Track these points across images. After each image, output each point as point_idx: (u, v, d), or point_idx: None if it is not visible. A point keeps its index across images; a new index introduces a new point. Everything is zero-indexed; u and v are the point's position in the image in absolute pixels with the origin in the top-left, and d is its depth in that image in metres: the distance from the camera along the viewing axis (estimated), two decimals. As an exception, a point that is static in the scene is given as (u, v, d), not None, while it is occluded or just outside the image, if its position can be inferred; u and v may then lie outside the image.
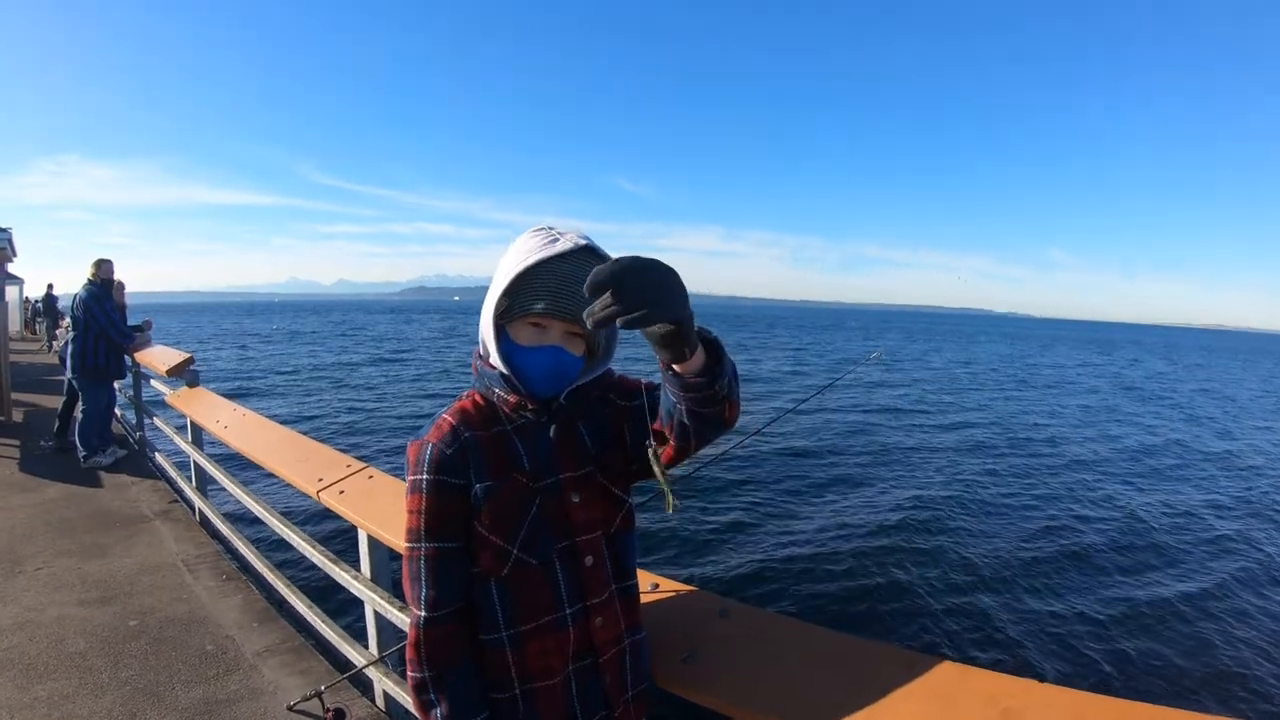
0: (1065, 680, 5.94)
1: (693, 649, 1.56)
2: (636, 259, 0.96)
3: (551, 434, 1.39)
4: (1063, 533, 9.76)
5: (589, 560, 1.40)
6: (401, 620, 2.50)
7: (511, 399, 1.35)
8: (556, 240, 1.26)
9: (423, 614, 1.29)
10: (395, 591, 2.69)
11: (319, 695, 2.71)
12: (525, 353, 1.31)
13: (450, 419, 1.34)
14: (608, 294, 0.94)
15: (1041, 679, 1.39)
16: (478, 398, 1.40)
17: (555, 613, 1.35)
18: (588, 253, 1.27)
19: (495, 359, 1.32)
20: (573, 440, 1.41)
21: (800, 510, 9.85)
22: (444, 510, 1.30)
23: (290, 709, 2.80)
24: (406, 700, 2.57)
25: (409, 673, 1.31)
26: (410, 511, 1.31)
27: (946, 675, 1.34)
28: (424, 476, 1.29)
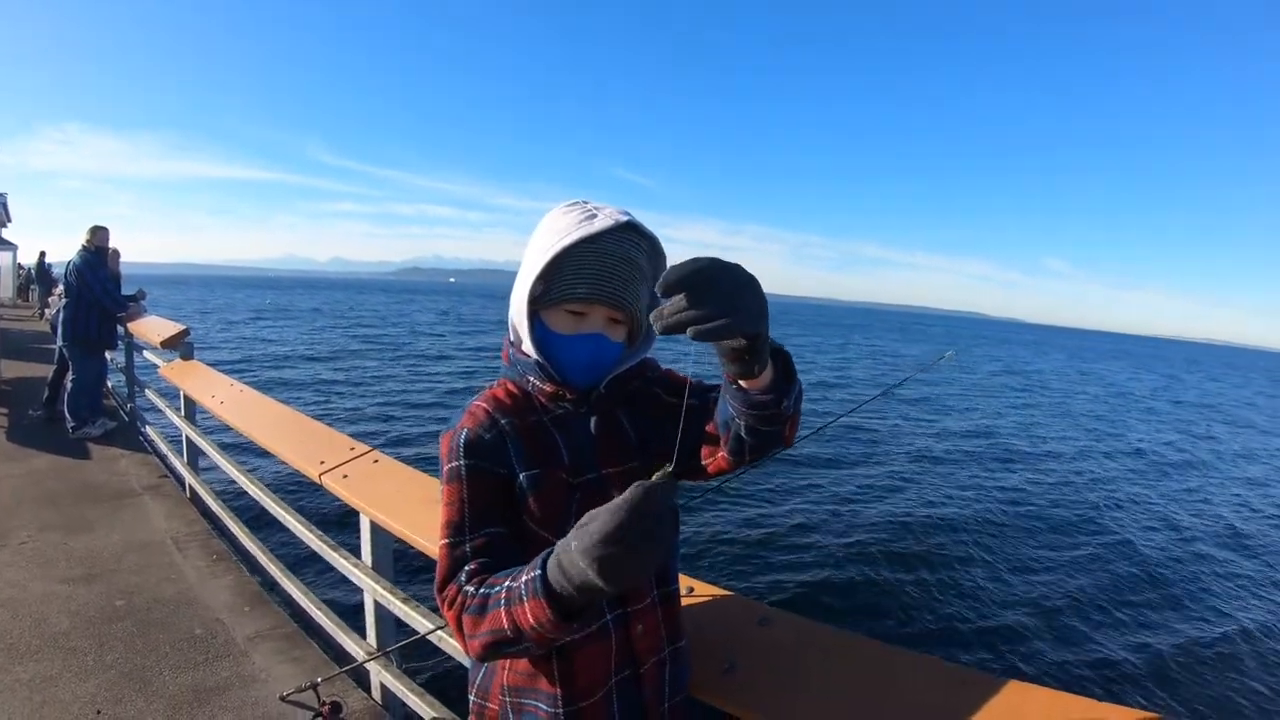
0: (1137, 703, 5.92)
1: (732, 658, 1.47)
2: (717, 260, 0.86)
3: (592, 426, 1.29)
4: (1142, 558, 9.68)
5: None
6: (404, 612, 2.40)
7: (548, 388, 1.25)
8: (594, 216, 1.16)
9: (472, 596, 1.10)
10: (397, 581, 2.58)
11: (314, 687, 2.59)
12: (563, 341, 1.22)
13: (484, 405, 1.24)
14: (681, 296, 0.84)
15: (1118, 700, 1.32)
16: (510, 386, 1.30)
17: (597, 619, 1.25)
18: (629, 229, 1.17)
19: (529, 346, 1.22)
20: (615, 434, 1.31)
21: (842, 519, 9.66)
22: (487, 498, 1.18)
23: (284, 699, 2.67)
24: (405, 694, 2.47)
25: (472, 648, 1.09)
26: (448, 504, 1.18)
27: (1008, 694, 1.25)
28: (462, 463, 1.18)
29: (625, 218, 1.16)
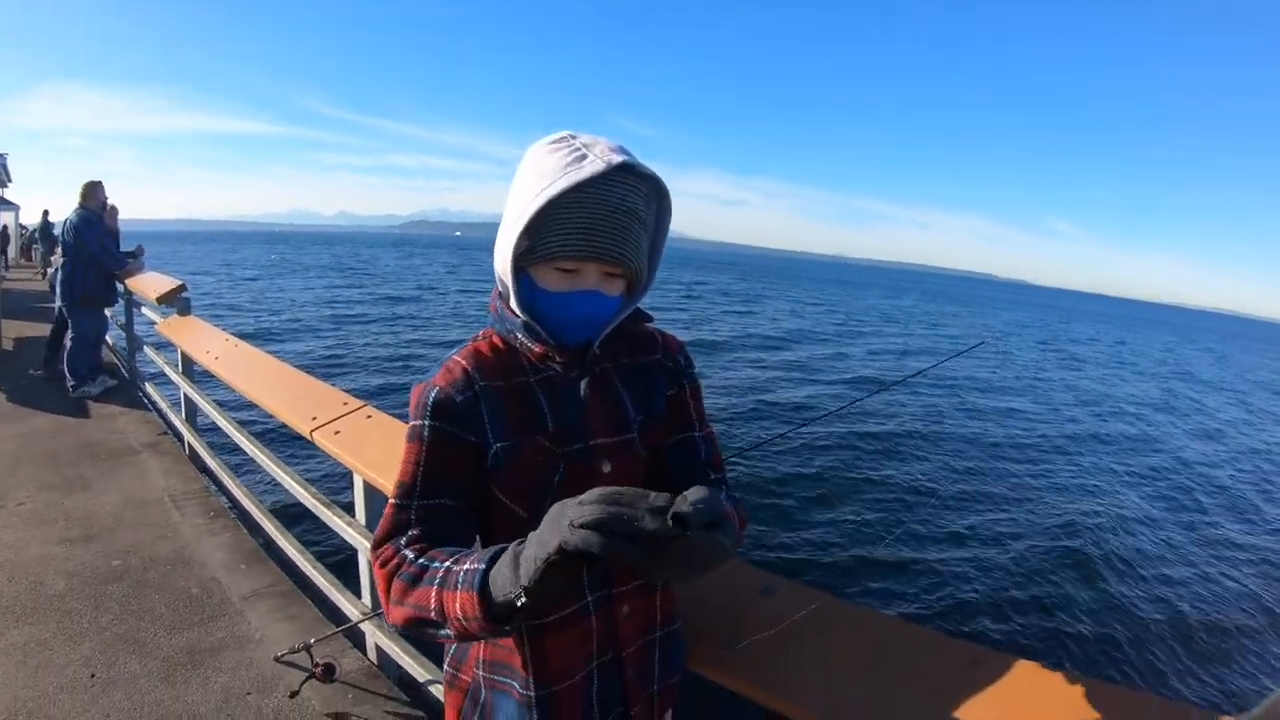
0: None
1: (733, 631, 1.38)
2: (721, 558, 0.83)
3: (582, 390, 1.17)
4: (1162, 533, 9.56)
5: None
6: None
7: (536, 349, 1.12)
8: (583, 157, 1.01)
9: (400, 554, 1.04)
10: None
11: (307, 648, 2.54)
12: (553, 299, 1.09)
13: (463, 362, 1.12)
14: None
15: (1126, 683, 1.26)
16: (496, 340, 1.18)
17: (577, 601, 1.15)
18: (625, 172, 1.03)
19: (516, 305, 1.10)
20: (609, 401, 1.20)
21: (850, 495, 9.36)
22: (445, 466, 1.09)
23: (278, 660, 2.63)
24: (400, 655, 2.42)
25: (392, 615, 1.03)
26: (404, 462, 1.10)
27: (1021, 674, 1.21)
28: (425, 422, 1.08)
29: (619, 158, 1.01)
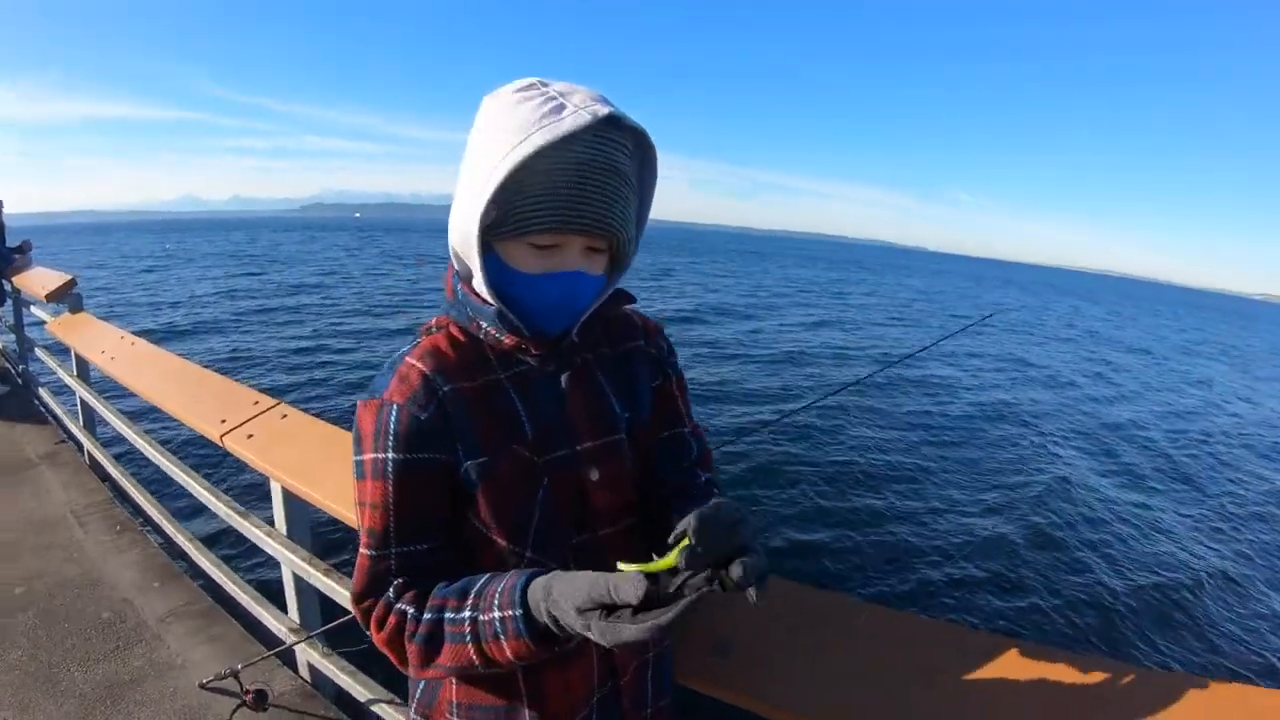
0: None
1: (721, 636, 1.28)
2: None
3: (564, 384, 1.02)
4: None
5: (613, 562, 1.08)
6: (328, 586, 2.13)
7: (507, 340, 0.96)
8: (561, 107, 0.84)
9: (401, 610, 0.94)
10: (316, 550, 2.30)
11: (235, 674, 2.32)
12: (527, 282, 0.93)
13: (419, 365, 0.95)
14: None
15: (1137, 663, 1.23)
16: (455, 331, 1.01)
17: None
18: (610, 125, 0.86)
19: (483, 288, 0.92)
20: (591, 395, 1.05)
21: (835, 484, 9.08)
22: (421, 503, 0.94)
23: (204, 687, 2.41)
24: (334, 672, 2.23)
25: (419, 673, 0.94)
26: (368, 505, 0.94)
27: (1027, 658, 1.19)
28: (389, 456, 0.92)
29: (605, 109, 0.85)
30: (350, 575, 2.19)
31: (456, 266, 1.00)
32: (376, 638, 0.95)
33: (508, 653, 0.84)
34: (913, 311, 33.65)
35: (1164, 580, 7.27)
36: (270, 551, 2.35)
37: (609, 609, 0.77)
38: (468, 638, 0.86)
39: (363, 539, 0.96)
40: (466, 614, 0.87)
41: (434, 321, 1.04)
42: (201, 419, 2.50)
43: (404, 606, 0.92)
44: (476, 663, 0.87)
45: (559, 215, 0.87)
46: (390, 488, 0.92)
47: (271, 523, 2.38)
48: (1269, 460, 13.32)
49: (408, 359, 0.96)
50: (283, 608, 2.48)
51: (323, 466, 2.06)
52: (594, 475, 1.03)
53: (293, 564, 2.25)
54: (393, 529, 0.93)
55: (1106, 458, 11.69)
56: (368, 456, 0.94)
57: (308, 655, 2.36)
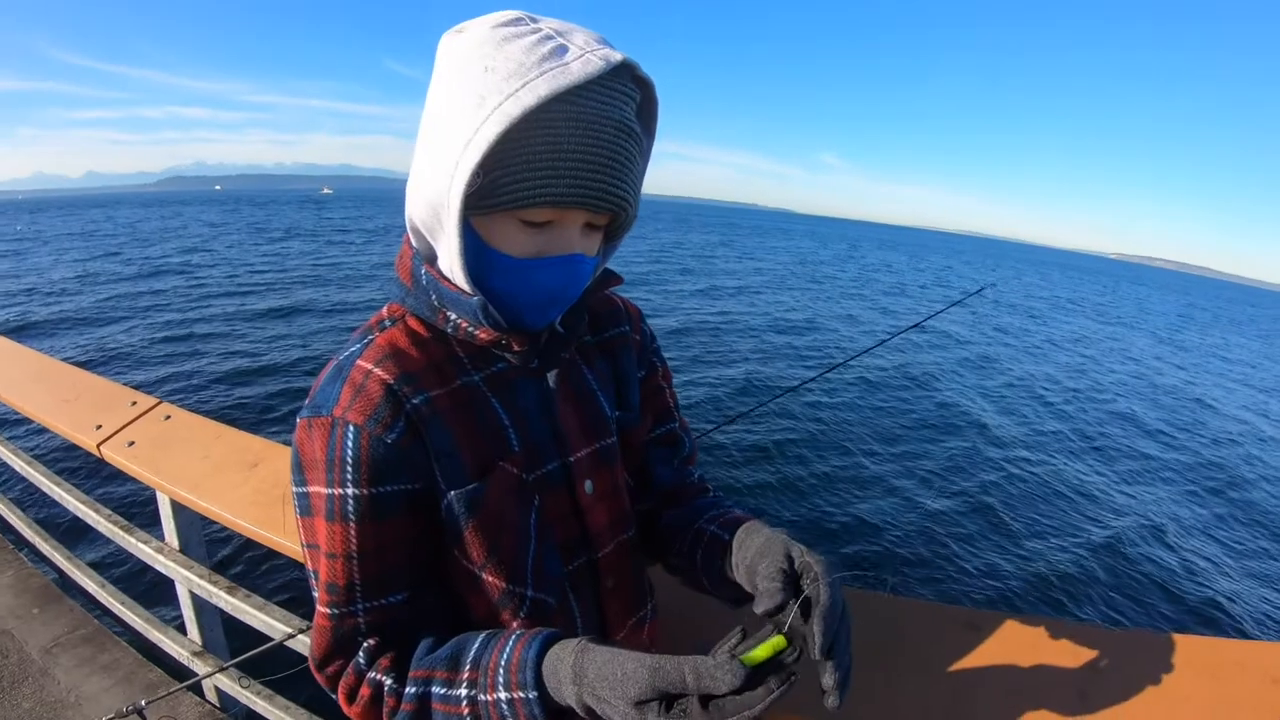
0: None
1: (703, 637, 1.14)
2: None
3: (551, 385, 0.87)
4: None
5: (610, 583, 0.93)
6: (230, 604, 1.91)
7: (482, 334, 0.79)
8: (564, 49, 0.68)
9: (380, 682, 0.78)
10: (215, 564, 2.07)
11: (139, 711, 2.07)
12: (517, 268, 0.77)
13: (378, 371, 0.78)
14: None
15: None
16: (414, 324, 0.82)
17: (555, 591, 0.90)
18: (618, 75, 0.71)
19: (458, 274, 0.76)
20: (581, 397, 0.91)
21: (828, 470, 9.02)
22: (394, 545, 0.77)
23: None
24: (245, 695, 2.03)
25: None
26: (327, 555, 0.77)
27: (1016, 630, 1.23)
28: (349, 492, 0.75)
29: (617, 55, 0.68)
30: (254, 587, 1.99)
31: (415, 244, 0.82)
32: (349, 711, 0.78)
33: None
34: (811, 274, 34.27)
35: (1097, 539, 7.68)
36: (162, 570, 2.09)
37: (671, 699, 0.62)
38: None
39: (319, 594, 0.78)
40: (463, 692, 0.72)
41: (385, 312, 0.86)
42: (74, 426, 2.20)
43: (379, 677, 0.76)
44: None
45: (562, 185, 0.70)
46: (354, 532, 0.75)
47: (161, 536, 2.12)
48: (1154, 405, 14.21)
49: (360, 362, 0.78)
50: (179, 628, 2.23)
51: (216, 474, 1.84)
52: (588, 488, 0.89)
53: (189, 582, 2.02)
54: (359, 582, 0.77)
55: (1014, 416, 12.15)
56: (318, 490, 0.76)
57: (215, 680, 2.13)
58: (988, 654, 1.22)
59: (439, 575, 0.84)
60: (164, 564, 2.07)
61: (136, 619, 2.34)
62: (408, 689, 0.74)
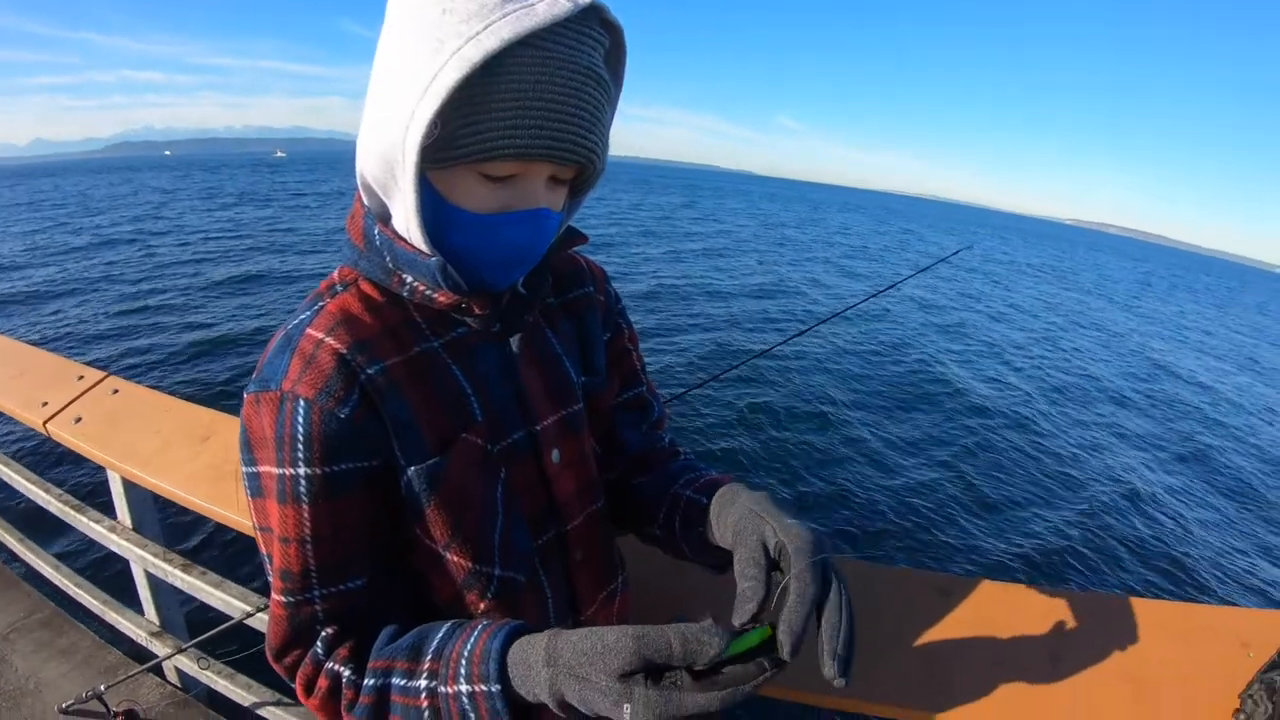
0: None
1: (680, 610, 1.11)
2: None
3: (515, 349, 0.82)
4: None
5: (580, 555, 0.89)
6: (185, 581, 1.86)
7: (440, 298, 0.73)
8: None
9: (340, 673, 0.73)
10: (169, 542, 2.01)
11: (99, 696, 2.01)
12: (479, 225, 0.72)
13: (330, 340, 0.72)
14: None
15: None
16: (368, 289, 0.77)
17: (525, 567, 0.85)
18: (588, 18, 0.67)
19: (415, 233, 0.70)
20: (545, 362, 0.86)
21: (804, 434, 8.97)
22: (351, 527, 0.74)
23: (65, 713, 2.08)
24: (210, 677, 1.98)
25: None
26: (276, 535, 0.73)
27: (988, 594, 1.24)
28: (302, 472, 0.70)
29: None
30: (212, 565, 1.94)
31: (367, 203, 0.76)
32: (307, 702, 0.74)
33: None
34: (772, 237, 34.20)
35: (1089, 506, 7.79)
36: (116, 549, 2.03)
37: (658, 673, 0.58)
38: (425, 714, 0.66)
39: (274, 580, 0.74)
40: (422, 683, 0.67)
41: (335, 276, 0.80)
42: (19, 403, 2.11)
43: (337, 668, 0.72)
44: None
45: (527, 136, 0.65)
46: (307, 514, 0.71)
47: (113, 514, 2.06)
48: (1122, 372, 14.51)
49: (309, 331, 0.73)
50: (137, 609, 2.17)
51: (167, 449, 1.77)
52: (555, 457, 0.85)
53: (144, 561, 1.96)
54: (314, 567, 0.72)
55: (997, 383, 12.29)
56: (269, 470, 0.71)
57: (175, 661, 2.08)
58: (960, 619, 1.21)
59: (400, 556, 0.80)
60: (118, 543, 2.00)
61: (94, 601, 2.27)
62: (366, 680, 0.70)
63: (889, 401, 10.49)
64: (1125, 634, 1.18)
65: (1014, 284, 29.64)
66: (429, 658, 0.68)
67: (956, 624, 1.21)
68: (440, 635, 0.70)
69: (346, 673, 0.72)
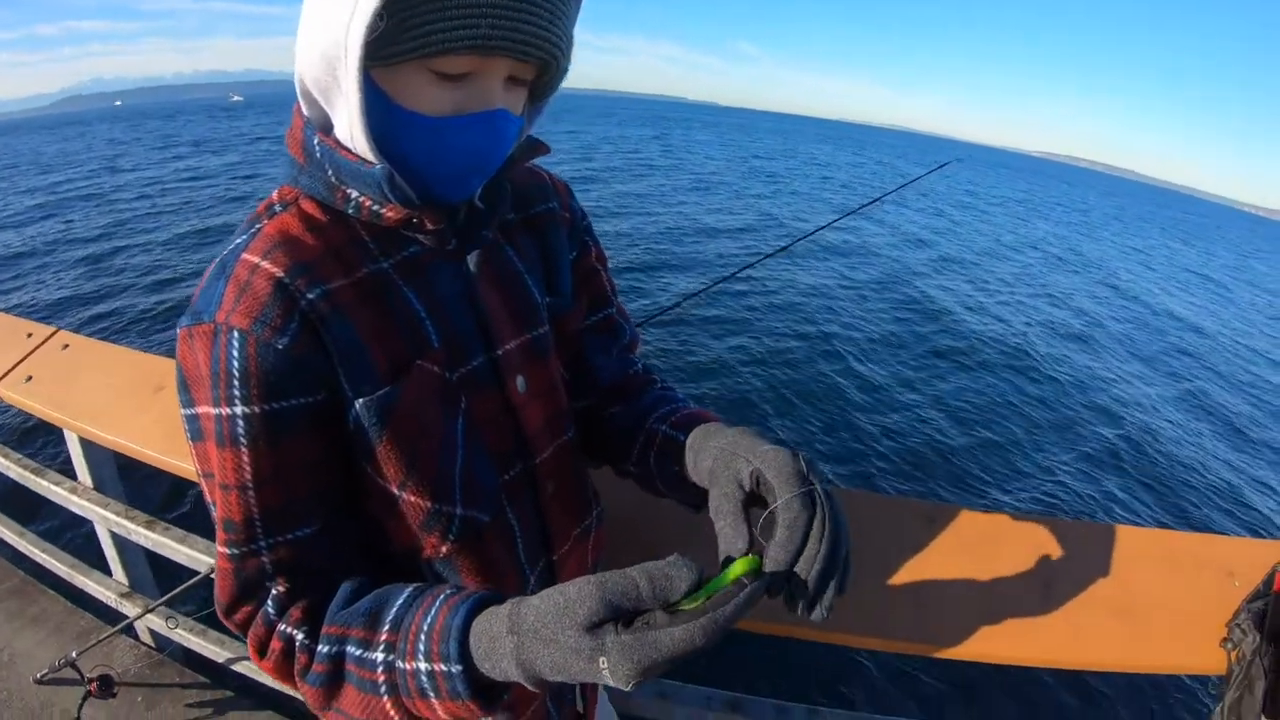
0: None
1: (660, 543, 1.13)
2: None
3: (472, 268, 0.77)
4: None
5: (551, 489, 0.83)
6: (150, 539, 1.80)
7: (389, 214, 0.68)
8: None
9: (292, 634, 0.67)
10: (134, 500, 1.95)
11: (72, 663, 1.97)
12: (431, 128, 0.65)
13: (266, 264, 0.65)
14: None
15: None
16: (310, 208, 0.71)
17: (518, 589, 0.82)
18: None
19: (360, 139, 0.63)
20: (506, 282, 0.79)
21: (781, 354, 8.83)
22: (296, 470, 0.67)
23: (40, 682, 2.04)
24: (186, 636, 1.94)
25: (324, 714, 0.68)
26: (222, 485, 0.66)
27: (978, 524, 1.23)
28: (238, 411, 0.64)
29: None
30: (178, 520, 1.87)
31: (307, 113, 0.69)
32: (260, 665, 0.69)
33: (439, 711, 0.60)
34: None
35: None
36: (78, 511, 1.96)
37: (630, 618, 0.53)
38: (382, 689, 0.61)
39: (218, 531, 0.67)
40: (379, 655, 0.62)
41: (274, 196, 0.73)
42: (-35, 363, 2.04)
43: (290, 630, 0.66)
44: (395, 717, 0.62)
45: (484, 26, 0.58)
46: (247, 457, 0.64)
47: (74, 475, 1.99)
48: (1108, 306, 14.52)
49: (245, 255, 0.65)
50: (105, 570, 2.12)
51: (119, 402, 1.70)
52: (520, 385, 0.79)
53: (107, 521, 1.89)
54: (257, 515, 0.66)
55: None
56: (206, 411, 0.64)
57: (146, 621, 2.03)
58: (947, 548, 1.19)
59: (355, 501, 0.74)
60: (79, 504, 1.93)
61: (61, 566, 2.21)
62: (320, 647, 0.64)
63: (870, 330, 10.32)
64: (1114, 562, 1.18)
65: (992, 216, 29.47)
66: (386, 628, 0.63)
67: (944, 553, 1.18)
68: (400, 602, 0.64)
69: (300, 636, 0.66)
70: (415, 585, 0.67)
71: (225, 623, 0.71)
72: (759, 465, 0.64)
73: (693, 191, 23.30)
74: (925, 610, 1.13)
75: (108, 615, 2.19)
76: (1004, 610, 1.12)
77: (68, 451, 1.96)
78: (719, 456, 0.69)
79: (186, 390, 0.66)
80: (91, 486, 1.95)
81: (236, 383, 0.63)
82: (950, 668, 3.72)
